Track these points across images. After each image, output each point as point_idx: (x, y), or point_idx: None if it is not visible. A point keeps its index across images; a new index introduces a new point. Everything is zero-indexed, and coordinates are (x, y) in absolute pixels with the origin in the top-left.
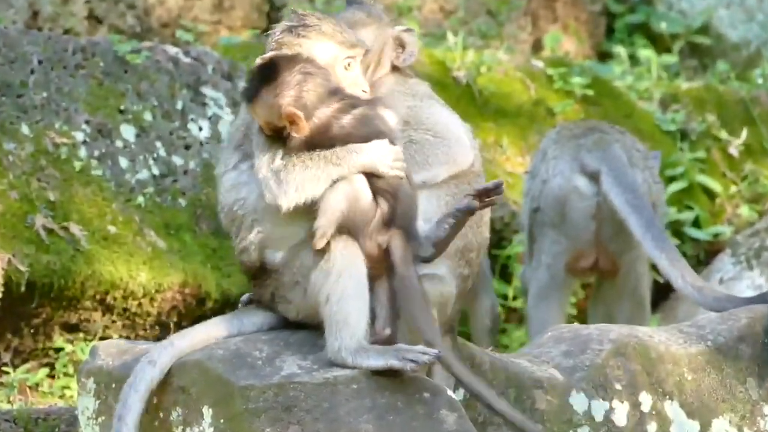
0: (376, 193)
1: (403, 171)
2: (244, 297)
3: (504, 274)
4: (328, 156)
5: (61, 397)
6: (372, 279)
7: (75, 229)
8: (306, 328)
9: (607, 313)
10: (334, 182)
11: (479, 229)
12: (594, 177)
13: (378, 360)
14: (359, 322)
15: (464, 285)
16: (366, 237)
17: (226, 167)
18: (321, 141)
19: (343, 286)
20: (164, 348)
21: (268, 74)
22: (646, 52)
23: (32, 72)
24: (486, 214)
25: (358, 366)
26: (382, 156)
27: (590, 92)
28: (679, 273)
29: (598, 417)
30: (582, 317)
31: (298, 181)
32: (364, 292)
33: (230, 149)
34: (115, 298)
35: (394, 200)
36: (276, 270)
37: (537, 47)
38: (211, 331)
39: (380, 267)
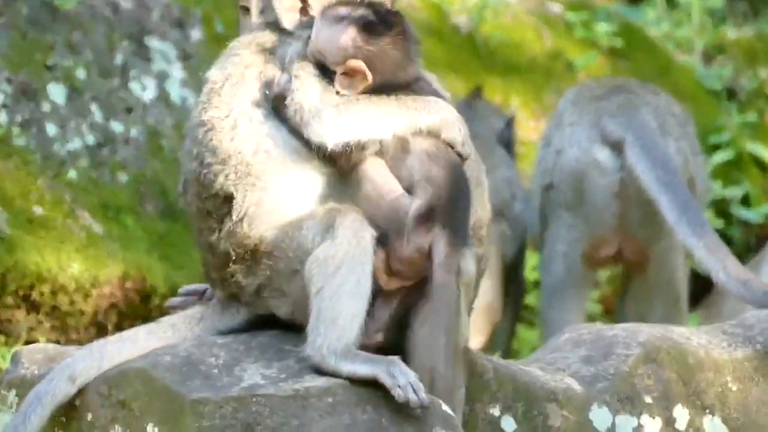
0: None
1: (467, 153)
2: (189, 288)
3: None
4: (402, 100)
5: None
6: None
7: None
8: (271, 329)
9: (637, 311)
10: (395, 133)
11: (484, 201)
12: (617, 148)
13: (363, 367)
14: (352, 324)
15: (479, 265)
16: (401, 237)
17: (228, 112)
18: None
19: (341, 279)
20: (90, 359)
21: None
22: None
23: None
24: (486, 183)
25: (338, 371)
26: (453, 124)
27: (618, 42)
28: (720, 264)
29: None
30: (609, 316)
31: (361, 115)
32: (366, 291)
33: (230, 92)
34: (42, 294)
35: (443, 189)
36: (269, 253)
37: None
38: (152, 337)
39: (414, 273)
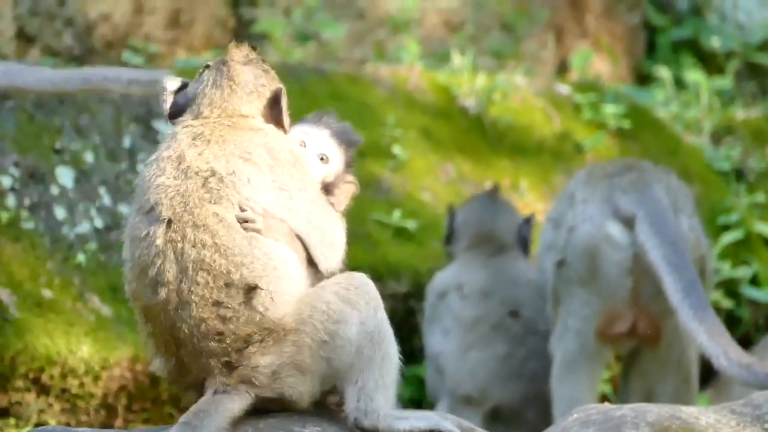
0: None
1: None
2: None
3: None
4: None
5: None
6: None
7: (2, 294)
8: (270, 413)
9: (645, 388)
10: None
11: None
12: (630, 223)
13: (421, 422)
14: (395, 386)
15: None
16: None
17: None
18: None
19: (388, 345)
20: None
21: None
22: (694, 75)
23: None
24: None
25: (396, 430)
26: None
27: (627, 124)
28: (721, 350)
29: None
30: (618, 396)
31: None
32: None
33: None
34: (51, 377)
35: None
36: (295, 330)
37: (562, 69)
38: None
39: None
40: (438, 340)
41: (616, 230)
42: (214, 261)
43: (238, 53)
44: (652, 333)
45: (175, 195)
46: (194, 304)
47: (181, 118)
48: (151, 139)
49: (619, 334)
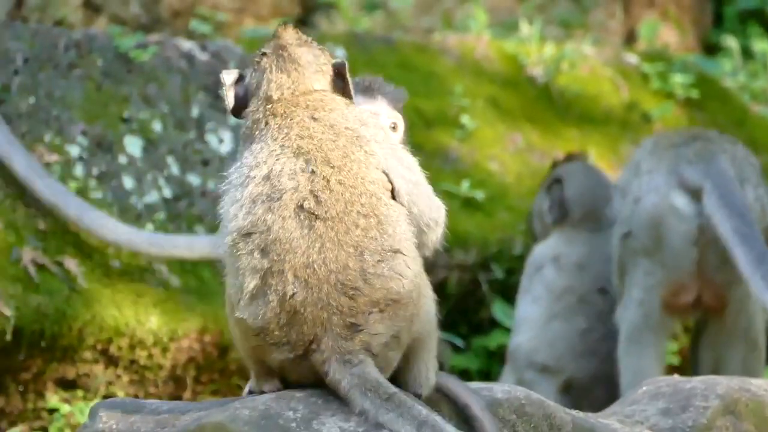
0: None
1: None
2: None
3: None
4: None
5: None
6: None
7: (70, 264)
8: None
9: (714, 359)
10: None
11: None
12: (696, 194)
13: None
14: None
15: None
16: None
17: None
18: None
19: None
20: None
21: None
22: (761, 44)
23: (16, 73)
24: None
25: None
26: None
27: (694, 93)
28: None
29: None
30: (687, 368)
31: None
32: None
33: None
34: (120, 348)
35: None
36: (407, 303)
37: (630, 39)
38: None
39: None
40: (526, 306)
41: (681, 201)
42: (374, 207)
43: (291, 35)
44: (717, 303)
45: (336, 148)
46: (344, 248)
47: (248, 109)
48: (220, 108)
49: (685, 304)
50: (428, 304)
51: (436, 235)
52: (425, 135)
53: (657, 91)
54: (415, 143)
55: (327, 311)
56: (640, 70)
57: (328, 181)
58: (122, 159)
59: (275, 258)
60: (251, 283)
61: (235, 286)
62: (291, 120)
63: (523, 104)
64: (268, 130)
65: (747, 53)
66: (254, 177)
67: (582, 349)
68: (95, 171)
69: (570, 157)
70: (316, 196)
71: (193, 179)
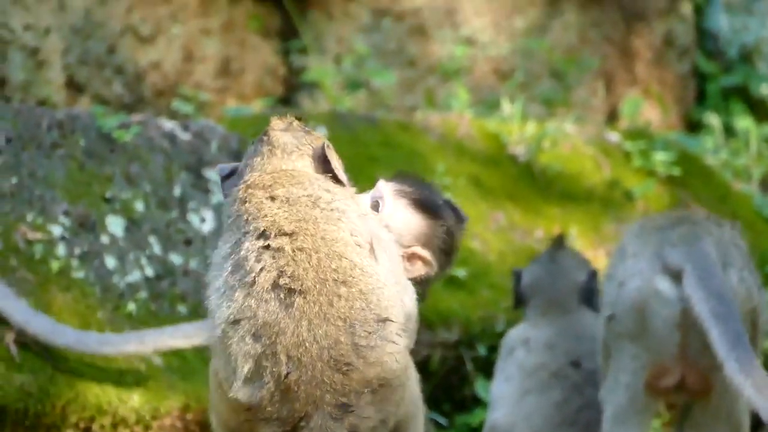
0: None
1: None
2: None
3: None
4: None
5: None
6: None
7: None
8: None
9: None
10: None
11: None
12: (678, 277)
13: None
14: None
15: None
16: None
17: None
18: None
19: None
20: None
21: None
22: (743, 122)
23: None
24: None
25: None
26: None
27: (676, 171)
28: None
29: None
30: None
31: None
32: None
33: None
34: (102, 426)
35: None
36: (398, 385)
37: (612, 116)
38: None
39: None
40: (500, 385)
41: (664, 285)
42: (354, 274)
43: (279, 123)
44: (701, 387)
45: (290, 217)
46: (332, 321)
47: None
48: (202, 187)
49: (667, 388)
50: (413, 385)
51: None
52: None
53: (639, 169)
54: None
55: (320, 389)
56: (622, 148)
57: (285, 251)
58: (104, 238)
59: (267, 342)
60: (245, 366)
61: (227, 371)
62: (250, 202)
63: (504, 182)
64: (233, 216)
65: (729, 131)
66: (227, 267)
67: (559, 420)
68: (77, 251)
69: (551, 242)
70: (283, 272)
71: (176, 258)
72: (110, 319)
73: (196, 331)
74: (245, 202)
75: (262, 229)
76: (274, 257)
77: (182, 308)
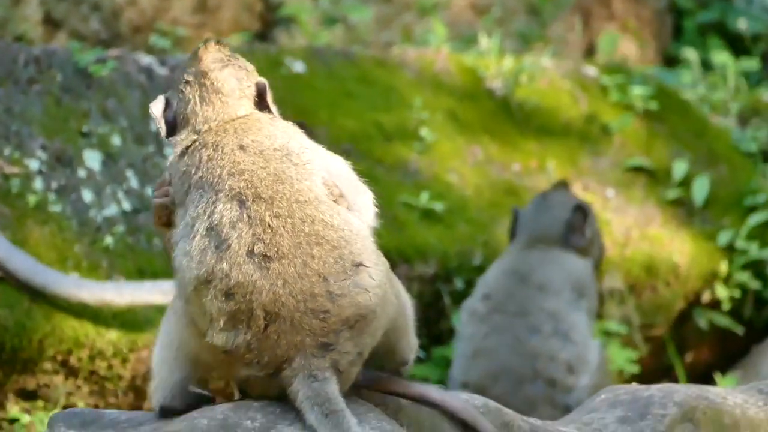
0: None
1: None
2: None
3: None
4: None
5: None
6: None
7: None
8: None
9: None
10: None
11: None
12: None
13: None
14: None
15: None
16: None
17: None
18: None
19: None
20: None
21: None
22: (721, 56)
23: None
24: None
25: None
26: None
27: (654, 105)
28: None
29: None
30: (645, 376)
31: None
32: None
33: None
34: (80, 359)
35: None
36: (374, 318)
37: (589, 51)
38: None
39: None
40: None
41: None
42: (327, 235)
43: (212, 57)
44: None
45: (266, 175)
46: (307, 278)
47: (177, 137)
48: None
49: None
50: (394, 303)
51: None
52: (385, 148)
53: (616, 104)
54: (375, 156)
55: (300, 334)
56: (599, 83)
57: (263, 219)
58: (81, 173)
59: (241, 299)
60: (221, 320)
61: (203, 319)
62: (222, 152)
63: (482, 117)
64: (201, 167)
65: (707, 65)
66: (198, 229)
67: (470, 353)
68: (54, 185)
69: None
70: (260, 239)
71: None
72: (87, 253)
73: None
74: (217, 148)
75: (237, 190)
76: (250, 225)
77: (159, 242)
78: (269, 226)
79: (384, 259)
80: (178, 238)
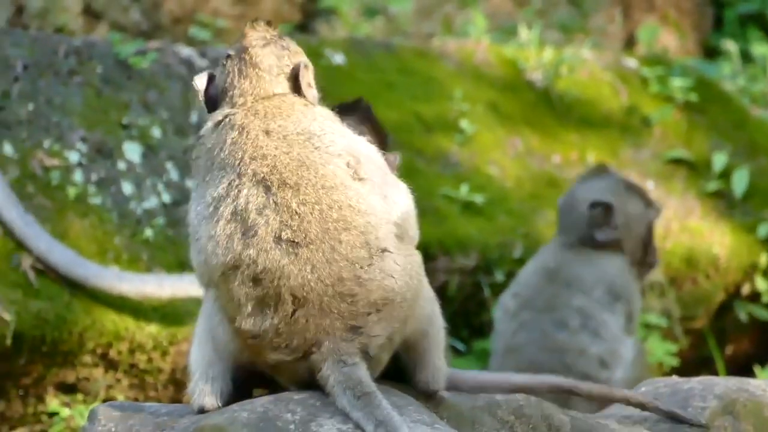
0: None
1: None
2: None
3: None
4: None
5: None
6: None
7: None
8: None
9: None
10: None
11: None
12: None
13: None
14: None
15: None
16: None
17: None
18: None
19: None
20: None
21: None
22: (761, 48)
23: (16, 80)
24: None
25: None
26: None
27: (694, 97)
28: None
29: None
30: (685, 369)
31: None
32: None
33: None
34: (119, 352)
35: None
36: (401, 302)
37: (630, 43)
38: None
39: None
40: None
41: None
42: (354, 220)
43: (256, 35)
44: None
45: (290, 161)
46: (335, 263)
47: (216, 111)
48: None
49: None
50: (425, 305)
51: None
52: (425, 139)
53: (656, 95)
54: (415, 148)
55: (329, 318)
56: (639, 74)
57: (290, 206)
58: (121, 165)
59: (269, 285)
60: (248, 305)
61: (231, 305)
62: (246, 136)
63: (522, 108)
64: (226, 148)
65: (746, 57)
66: (223, 213)
67: (503, 349)
68: (94, 177)
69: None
70: (288, 225)
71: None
72: (127, 245)
73: None
74: (242, 132)
75: (262, 175)
76: (277, 211)
77: None
78: (296, 212)
79: (414, 251)
80: (196, 215)
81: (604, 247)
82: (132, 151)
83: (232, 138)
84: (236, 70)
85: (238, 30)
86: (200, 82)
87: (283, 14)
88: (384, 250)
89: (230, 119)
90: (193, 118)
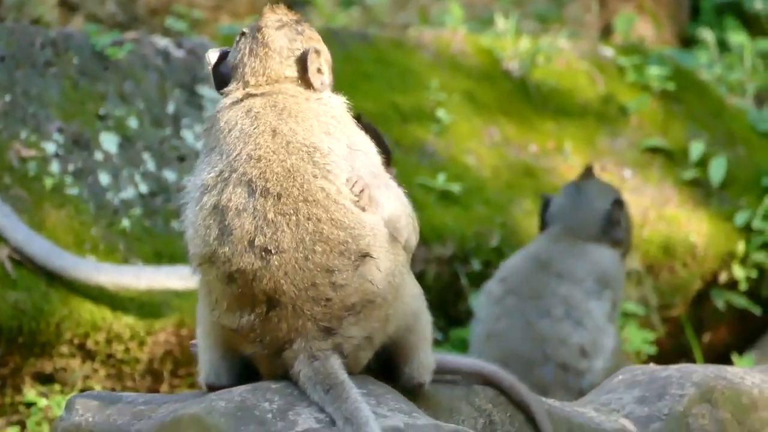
0: None
1: None
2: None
3: None
4: None
5: None
6: None
7: None
8: None
9: None
10: None
11: None
12: None
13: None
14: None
15: None
16: None
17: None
18: None
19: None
20: None
21: None
22: (738, 37)
23: None
24: None
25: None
26: None
27: (671, 86)
28: None
29: None
30: (663, 357)
31: None
32: None
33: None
34: (97, 343)
35: None
36: (381, 303)
37: (606, 32)
38: None
39: None
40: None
41: None
42: (332, 233)
43: (272, 17)
44: None
45: (281, 170)
46: (308, 271)
47: (227, 88)
48: (195, 104)
49: None
50: (410, 301)
51: (408, 237)
52: (402, 129)
53: (633, 84)
54: (392, 138)
55: (302, 319)
56: (616, 64)
57: (267, 215)
58: (98, 155)
59: (243, 285)
60: (224, 302)
61: (208, 298)
62: (254, 129)
63: (499, 98)
64: (231, 134)
65: (723, 46)
66: (207, 203)
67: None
68: (71, 167)
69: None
70: (262, 232)
71: (170, 175)
72: (104, 236)
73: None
74: (255, 121)
75: (249, 177)
76: (254, 216)
77: (176, 225)
78: (272, 221)
79: (400, 251)
80: (190, 188)
81: (607, 243)
82: (109, 141)
83: (242, 126)
84: (247, 48)
85: (213, 21)
86: (212, 56)
87: (259, 5)
88: (365, 256)
89: (248, 103)
90: (170, 108)
